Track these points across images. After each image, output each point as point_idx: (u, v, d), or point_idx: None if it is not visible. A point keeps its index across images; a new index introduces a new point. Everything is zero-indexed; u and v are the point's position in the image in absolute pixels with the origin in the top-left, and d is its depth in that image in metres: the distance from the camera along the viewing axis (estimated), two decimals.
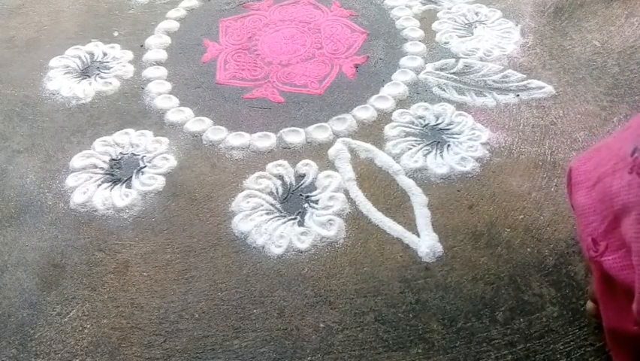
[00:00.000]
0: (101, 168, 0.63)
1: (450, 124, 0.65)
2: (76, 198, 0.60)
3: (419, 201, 0.57)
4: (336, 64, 0.75)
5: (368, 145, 0.63)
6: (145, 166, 0.63)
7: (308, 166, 0.62)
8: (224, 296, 0.51)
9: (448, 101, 0.68)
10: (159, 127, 0.68)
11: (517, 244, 0.54)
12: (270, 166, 0.62)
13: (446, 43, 0.77)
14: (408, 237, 0.55)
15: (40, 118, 0.70)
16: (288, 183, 0.60)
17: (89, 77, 0.75)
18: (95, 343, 0.49)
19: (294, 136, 0.65)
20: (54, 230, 0.58)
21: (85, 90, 0.73)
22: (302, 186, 0.60)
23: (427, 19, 0.81)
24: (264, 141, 0.65)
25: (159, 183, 0.61)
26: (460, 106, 0.68)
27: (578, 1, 0.78)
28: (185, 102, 0.71)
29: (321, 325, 0.49)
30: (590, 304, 0.47)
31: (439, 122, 0.66)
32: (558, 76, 0.71)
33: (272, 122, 0.68)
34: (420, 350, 0.47)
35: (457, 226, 0.55)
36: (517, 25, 0.79)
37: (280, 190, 0.60)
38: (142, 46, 0.80)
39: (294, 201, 0.59)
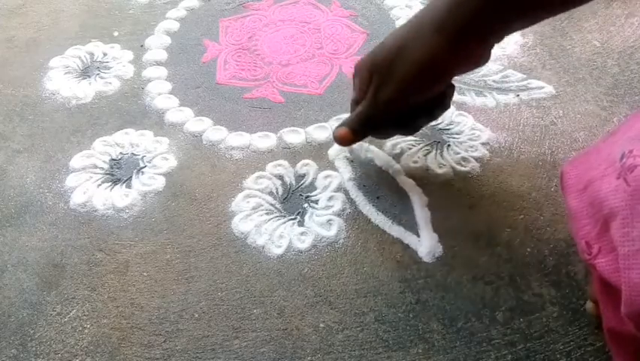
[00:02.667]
0: (101, 168, 0.63)
1: (450, 124, 0.65)
2: (76, 198, 0.60)
3: (419, 201, 0.57)
4: (336, 64, 0.75)
5: (368, 145, 0.63)
6: (145, 166, 0.63)
7: (308, 166, 0.62)
8: (224, 296, 0.51)
9: None
10: (159, 127, 0.68)
11: (517, 244, 0.54)
12: (270, 166, 0.62)
13: None
14: (408, 237, 0.55)
15: (40, 118, 0.70)
16: (288, 183, 0.61)
17: (89, 77, 0.75)
18: (95, 343, 0.49)
19: (294, 136, 0.65)
20: (54, 230, 0.58)
21: (85, 90, 0.73)
22: (302, 186, 0.60)
23: None
24: (264, 141, 0.65)
25: (159, 183, 0.61)
26: (460, 106, 0.68)
27: None
28: (185, 102, 0.71)
29: (321, 325, 0.49)
30: (589, 304, 0.47)
31: (439, 122, 0.66)
32: (558, 76, 0.71)
33: (272, 122, 0.68)
34: (420, 350, 0.47)
35: (457, 226, 0.55)
36: None
37: (280, 190, 0.60)
38: (142, 46, 0.80)
39: (294, 201, 0.59)
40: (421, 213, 0.56)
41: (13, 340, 0.49)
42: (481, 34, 0.46)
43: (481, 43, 0.47)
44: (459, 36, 0.45)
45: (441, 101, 0.54)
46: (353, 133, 0.55)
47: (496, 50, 0.75)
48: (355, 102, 0.55)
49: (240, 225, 0.57)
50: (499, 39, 0.48)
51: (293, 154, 0.64)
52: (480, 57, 0.49)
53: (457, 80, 0.67)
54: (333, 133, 0.56)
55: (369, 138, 0.63)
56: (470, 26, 0.45)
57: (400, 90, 0.50)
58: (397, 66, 0.49)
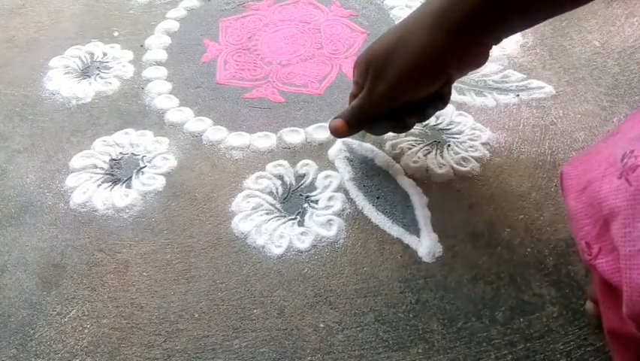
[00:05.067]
0: (101, 168, 0.63)
1: (450, 124, 0.65)
2: (76, 198, 0.60)
3: (419, 201, 0.57)
4: (336, 64, 0.75)
5: (368, 145, 0.63)
6: (145, 166, 0.63)
7: (308, 166, 0.62)
8: (224, 296, 0.51)
9: None
10: (159, 127, 0.68)
11: (517, 244, 0.54)
12: (270, 166, 0.62)
13: None
14: (408, 237, 0.55)
15: (40, 118, 0.70)
16: (288, 183, 0.61)
17: (89, 77, 0.75)
18: (95, 343, 0.49)
19: (294, 136, 0.65)
20: (54, 230, 0.58)
21: (85, 90, 0.73)
22: (302, 186, 0.60)
23: None
24: (264, 141, 0.65)
25: (159, 183, 0.61)
26: (460, 106, 0.68)
27: None
28: (185, 102, 0.71)
29: (321, 325, 0.49)
30: (589, 304, 0.47)
31: (439, 122, 0.66)
32: (558, 76, 0.71)
33: (272, 122, 0.68)
34: (420, 350, 0.47)
35: (457, 226, 0.55)
36: None
37: (280, 190, 0.60)
38: (142, 46, 0.80)
39: (294, 201, 0.59)
40: (421, 213, 0.56)
41: (13, 340, 0.49)
42: (480, 30, 0.46)
43: (479, 40, 0.47)
44: (457, 31, 0.45)
45: (435, 101, 0.54)
46: (347, 125, 0.56)
47: (496, 50, 0.75)
48: (353, 96, 0.57)
49: (240, 225, 0.57)
50: (498, 39, 0.48)
51: (293, 154, 0.64)
52: (477, 56, 0.49)
53: (457, 80, 0.67)
54: (329, 125, 0.58)
55: (371, 136, 0.63)
56: (469, 21, 0.44)
57: (395, 84, 0.50)
58: (394, 60, 0.49)
